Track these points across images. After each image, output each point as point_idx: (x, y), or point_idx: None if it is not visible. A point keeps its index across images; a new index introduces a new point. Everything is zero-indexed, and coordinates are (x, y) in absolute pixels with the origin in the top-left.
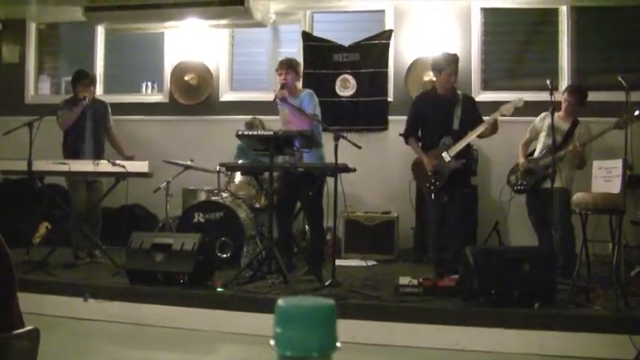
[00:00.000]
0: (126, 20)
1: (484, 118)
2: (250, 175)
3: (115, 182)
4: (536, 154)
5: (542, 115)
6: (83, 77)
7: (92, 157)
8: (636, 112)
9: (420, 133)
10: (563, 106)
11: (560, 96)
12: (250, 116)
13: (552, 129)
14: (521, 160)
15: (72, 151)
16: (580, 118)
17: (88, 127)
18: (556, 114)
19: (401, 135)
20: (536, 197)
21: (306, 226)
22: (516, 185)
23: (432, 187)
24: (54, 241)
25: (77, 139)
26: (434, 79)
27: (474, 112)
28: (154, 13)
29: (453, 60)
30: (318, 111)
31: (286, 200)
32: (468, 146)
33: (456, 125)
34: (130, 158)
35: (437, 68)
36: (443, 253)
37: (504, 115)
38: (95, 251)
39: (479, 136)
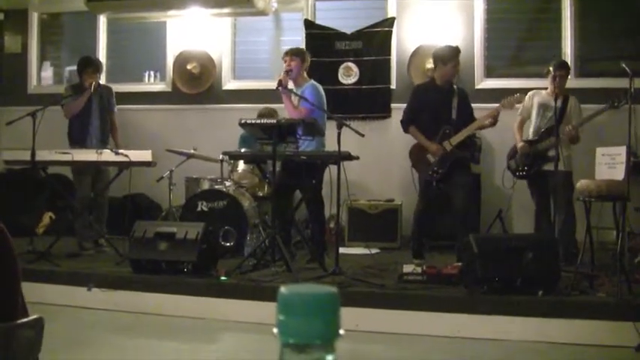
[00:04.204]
0: (128, 9)
1: (485, 105)
2: (253, 164)
3: (118, 171)
4: (530, 134)
5: (531, 93)
6: (89, 65)
7: (99, 143)
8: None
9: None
10: (555, 83)
11: (549, 76)
12: (263, 105)
13: (555, 113)
14: (520, 143)
15: (78, 137)
16: (583, 105)
17: (94, 114)
18: (545, 92)
19: (401, 122)
20: (538, 180)
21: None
22: (517, 171)
23: (435, 175)
24: (58, 230)
25: (84, 125)
26: (430, 67)
27: (467, 105)
28: (156, 2)
29: (456, 52)
30: (322, 102)
31: (282, 186)
32: (470, 136)
33: (454, 115)
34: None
35: (441, 60)
36: (422, 240)
37: (505, 109)
38: (100, 240)
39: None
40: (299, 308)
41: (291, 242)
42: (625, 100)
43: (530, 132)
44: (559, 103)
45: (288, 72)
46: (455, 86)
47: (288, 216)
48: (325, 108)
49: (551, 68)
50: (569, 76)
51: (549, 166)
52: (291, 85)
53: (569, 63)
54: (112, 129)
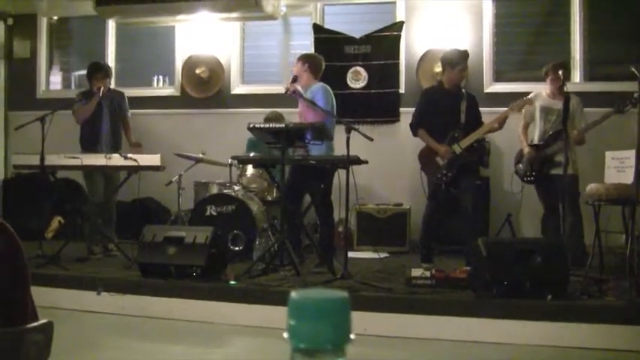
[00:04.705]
0: (137, 14)
1: (494, 109)
2: (262, 168)
3: (127, 176)
4: (535, 138)
5: (531, 96)
6: (98, 70)
7: (110, 147)
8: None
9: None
10: (554, 85)
11: (547, 78)
12: (270, 109)
13: (564, 116)
14: (527, 148)
15: (90, 142)
16: (586, 109)
17: (105, 118)
18: (545, 95)
19: (410, 126)
20: (545, 184)
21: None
22: (525, 176)
23: (445, 178)
24: (66, 235)
25: (94, 130)
26: (439, 71)
27: (476, 109)
28: (164, 7)
29: (465, 56)
30: (331, 104)
31: (292, 191)
32: (478, 140)
33: (462, 119)
34: (136, 145)
35: (449, 63)
36: (431, 244)
37: (513, 112)
38: (109, 245)
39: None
40: (310, 313)
41: (301, 246)
42: (630, 104)
43: (535, 136)
44: (561, 104)
45: (295, 78)
46: (463, 90)
47: (297, 220)
48: (334, 108)
49: (561, 73)
50: (570, 77)
51: (556, 170)
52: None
53: (578, 67)
54: (125, 130)
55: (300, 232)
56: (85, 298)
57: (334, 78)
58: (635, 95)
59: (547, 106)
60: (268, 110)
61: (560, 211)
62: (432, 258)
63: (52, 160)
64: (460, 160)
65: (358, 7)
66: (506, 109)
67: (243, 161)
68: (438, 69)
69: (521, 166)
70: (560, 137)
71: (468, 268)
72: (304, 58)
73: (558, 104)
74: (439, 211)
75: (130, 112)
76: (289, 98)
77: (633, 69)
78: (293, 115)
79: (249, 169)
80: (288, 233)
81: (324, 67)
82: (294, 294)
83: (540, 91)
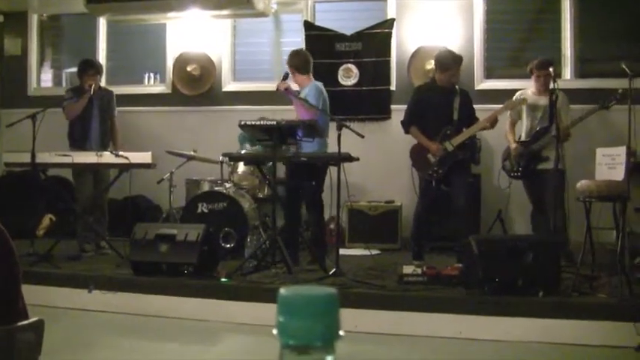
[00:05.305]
0: (128, 11)
1: (485, 106)
2: (253, 165)
3: (118, 173)
4: (522, 135)
5: (518, 95)
6: (89, 67)
7: (99, 145)
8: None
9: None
10: (539, 82)
11: (532, 75)
12: (263, 107)
13: (551, 112)
14: (513, 144)
15: (79, 139)
16: (577, 106)
17: (94, 116)
18: (530, 92)
19: (402, 123)
20: (532, 179)
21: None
22: (512, 171)
23: (435, 175)
24: (58, 233)
25: (84, 127)
26: (431, 68)
27: (469, 106)
28: (155, 4)
29: (457, 61)
30: (323, 102)
31: (290, 189)
32: (470, 136)
33: (455, 116)
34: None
35: (440, 66)
36: (422, 241)
37: (507, 110)
38: (101, 243)
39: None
40: (298, 309)
41: (298, 247)
42: (615, 100)
43: (522, 132)
44: (546, 101)
45: (285, 76)
46: (457, 87)
47: (298, 221)
48: (327, 106)
49: (551, 70)
50: (560, 74)
51: (543, 165)
52: (296, 87)
53: (569, 65)
54: (112, 132)
55: (298, 232)
56: (78, 297)
57: (325, 75)
58: (620, 91)
59: (533, 102)
60: (259, 107)
61: (547, 206)
62: (423, 255)
63: (43, 157)
64: (452, 158)
65: (349, 4)
66: (497, 106)
67: (234, 158)
68: (430, 66)
69: (507, 162)
70: (546, 133)
71: (460, 265)
72: (288, 59)
73: (544, 101)
74: (430, 208)
75: (122, 109)
76: (280, 95)
77: (624, 66)
78: (285, 113)
79: (241, 167)
80: (287, 234)
81: (310, 59)
82: (282, 291)
83: (526, 88)
